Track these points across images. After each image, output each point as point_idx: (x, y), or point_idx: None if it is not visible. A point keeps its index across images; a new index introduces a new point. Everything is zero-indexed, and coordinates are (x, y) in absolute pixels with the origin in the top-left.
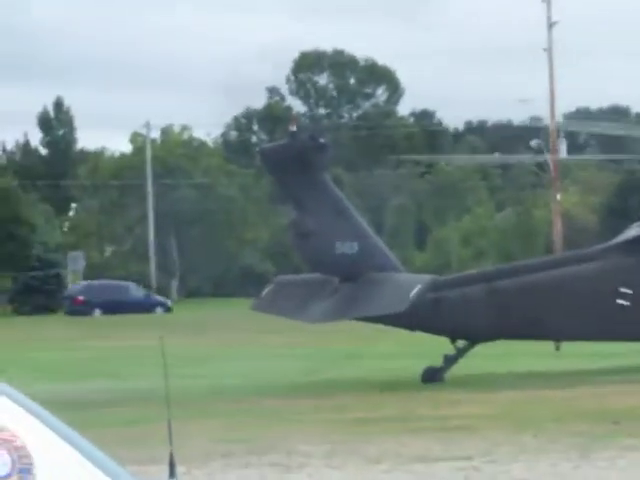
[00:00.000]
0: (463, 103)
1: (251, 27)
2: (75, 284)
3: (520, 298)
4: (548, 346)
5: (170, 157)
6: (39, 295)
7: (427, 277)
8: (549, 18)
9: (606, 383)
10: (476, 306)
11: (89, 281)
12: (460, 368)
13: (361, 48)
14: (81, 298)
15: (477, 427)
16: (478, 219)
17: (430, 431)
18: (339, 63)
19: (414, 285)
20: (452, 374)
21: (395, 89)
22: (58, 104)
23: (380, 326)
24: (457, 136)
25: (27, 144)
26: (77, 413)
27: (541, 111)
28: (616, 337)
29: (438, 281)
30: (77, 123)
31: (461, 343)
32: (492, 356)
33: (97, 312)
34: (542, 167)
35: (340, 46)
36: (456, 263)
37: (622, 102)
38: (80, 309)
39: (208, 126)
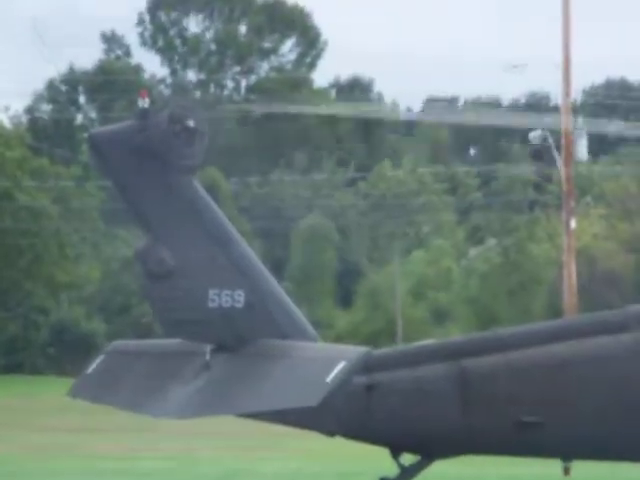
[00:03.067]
0: (418, 68)
1: None
2: None
3: (506, 387)
4: (552, 468)
5: None
6: None
7: (355, 350)
8: None
9: None
10: (434, 399)
11: None
12: None
13: None
14: None
15: None
16: (439, 256)
17: None
18: None
19: (334, 362)
20: None
21: (311, 43)
22: None
23: (278, 427)
24: (409, 123)
25: None
26: None
27: (546, 83)
28: None
29: (373, 356)
30: None
31: (409, 458)
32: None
33: None
34: (547, 175)
35: None
36: (403, 327)
37: None
38: None
39: (5, 96)
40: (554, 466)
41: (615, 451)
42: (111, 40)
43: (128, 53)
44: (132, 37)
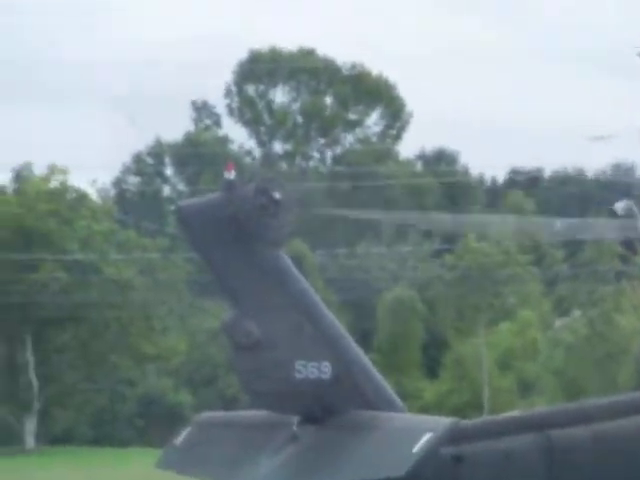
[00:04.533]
0: (502, 140)
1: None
2: None
3: (593, 459)
4: None
5: (29, 216)
6: None
7: (442, 421)
8: None
9: None
10: (521, 469)
11: None
12: None
13: (343, 48)
14: None
15: None
16: (525, 328)
17: None
18: (307, 69)
19: (421, 433)
20: None
21: (396, 113)
22: None
23: None
24: (494, 192)
25: None
26: None
27: (632, 153)
28: None
29: (460, 427)
30: None
31: None
32: None
33: None
34: (632, 245)
35: (308, 43)
36: (489, 398)
37: None
38: None
39: (92, 168)
40: None
41: None
42: (200, 110)
43: (218, 123)
44: (220, 108)
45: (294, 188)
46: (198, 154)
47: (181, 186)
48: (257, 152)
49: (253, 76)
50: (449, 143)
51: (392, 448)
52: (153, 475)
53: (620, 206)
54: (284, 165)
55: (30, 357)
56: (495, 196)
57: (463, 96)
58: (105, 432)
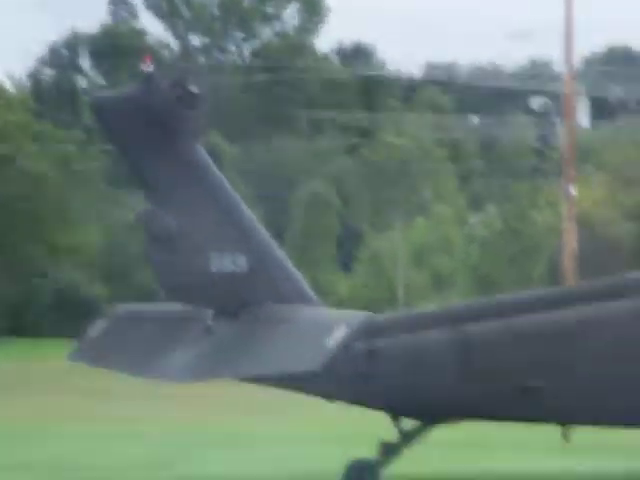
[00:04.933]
0: (421, 37)
1: None
2: None
3: (507, 353)
4: (552, 434)
5: None
6: None
7: (357, 315)
8: None
9: None
10: (435, 364)
11: None
12: (407, 463)
13: None
14: None
15: None
16: (440, 223)
17: None
18: None
19: (336, 327)
20: (392, 473)
21: (314, 7)
22: None
23: (279, 392)
24: (411, 88)
25: None
26: None
27: (549, 51)
28: None
29: (375, 322)
30: None
31: (409, 424)
32: (458, 446)
33: None
34: (548, 143)
35: None
36: (404, 293)
37: None
38: None
39: (8, 60)
40: (552, 432)
41: (616, 417)
42: (116, 2)
43: (135, 15)
44: (137, 0)
45: (211, 82)
46: (115, 46)
47: (98, 79)
48: (174, 45)
49: None
50: (366, 37)
51: (307, 342)
52: (68, 367)
53: (536, 102)
54: (201, 59)
55: None
56: (411, 91)
57: None
58: (20, 323)
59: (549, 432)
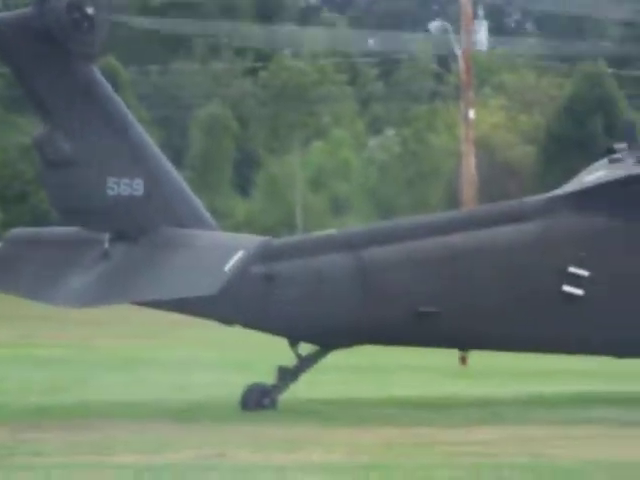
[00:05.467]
0: None
1: None
2: None
3: (404, 278)
4: (450, 358)
5: None
6: None
7: (254, 239)
8: None
9: (534, 422)
10: (333, 288)
11: None
12: (304, 388)
13: None
14: None
15: None
16: (338, 147)
17: None
18: None
19: (233, 251)
20: (289, 398)
21: None
22: None
23: (176, 316)
24: (310, 10)
25: None
26: None
27: None
28: (555, 347)
29: (272, 246)
30: None
31: (307, 348)
32: (355, 371)
33: None
34: (446, 64)
35: None
36: (302, 218)
37: None
38: None
39: None
40: (450, 356)
41: (511, 341)
42: None
43: None
44: None
45: (106, 3)
46: None
47: None
48: None
49: None
50: None
51: (203, 266)
52: None
53: (435, 25)
54: None
55: None
56: (310, 13)
57: None
58: None
59: (448, 356)
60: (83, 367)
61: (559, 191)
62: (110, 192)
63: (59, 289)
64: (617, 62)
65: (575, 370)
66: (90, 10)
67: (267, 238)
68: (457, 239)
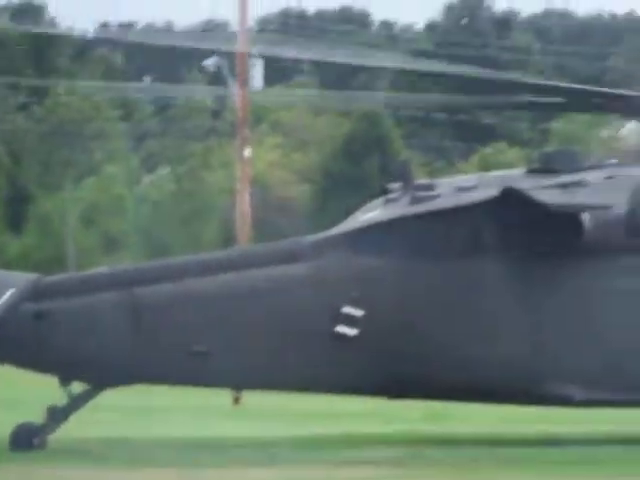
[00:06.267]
0: None
1: None
2: None
3: (178, 316)
4: (223, 397)
5: None
6: None
7: (25, 277)
8: None
9: (308, 463)
10: (105, 326)
11: None
12: (76, 427)
13: None
14: None
15: None
16: (111, 183)
17: None
18: None
19: (2, 289)
20: (61, 437)
21: None
22: None
23: None
24: (84, 47)
25: None
26: None
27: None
28: (329, 387)
29: (43, 283)
30: None
31: (78, 387)
32: (129, 410)
33: None
34: (223, 104)
35: None
36: (75, 255)
37: (358, 4)
38: None
39: None
40: (225, 396)
41: (284, 382)
42: None
43: None
44: None
45: None
46: None
47: None
48: None
49: None
50: None
51: None
52: None
53: (212, 63)
54: None
55: None
56: (85, 50)
57: None
58: None
59: (223, 396)
60: None
61: (334, 230)
62: None
63: None
64: (393, 102)
65: (351, 411)
66: None
67: (38, 275)
68: (230, 278)
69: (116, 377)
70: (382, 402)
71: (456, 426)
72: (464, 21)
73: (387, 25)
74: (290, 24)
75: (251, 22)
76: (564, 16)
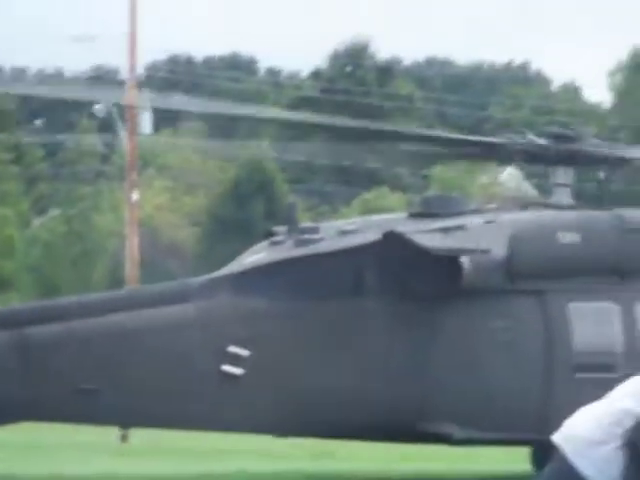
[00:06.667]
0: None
1: None
2: None
3: (66, 355)
4: (111, 435)
5: None
6: None
7: None
8: None
9: None
10: None
11: None
12: None
13: None
14: None
15: None
16: (2, 225)
17: None
18: None
19: None
20: None
21: None
22: None
23: None
24: None
25: None
26: None
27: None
28: (216, 425)
29: None
30: None
31: None
32: (18, 448)
33: None
34: (112, 148)
35: None
36: None
37: (245, 51)
38: None
39: None
40: (112, 434)
41: (171, 420)
42: None
43: None
44: None
45: None
46: None
47: None
48: None
49: None
50: None
51: None
52: None
53: (101, 108)
54: None
55: None
56: None
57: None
58: None
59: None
60: None
61: (221, 272)
62: None
63: None
64: (279, 147)
65: (244, 449)
66: None
67: None
68: (119, 318)
69: (5, 415)
70: (271, 440)
71: (340, 464)
72: (348, 68)
73: (273, 72)
74: (178, 71)
75: (140, 69)
76: (445, 65)
